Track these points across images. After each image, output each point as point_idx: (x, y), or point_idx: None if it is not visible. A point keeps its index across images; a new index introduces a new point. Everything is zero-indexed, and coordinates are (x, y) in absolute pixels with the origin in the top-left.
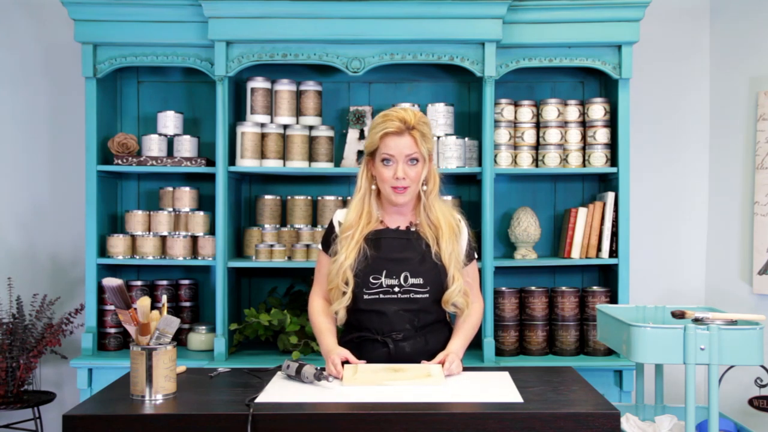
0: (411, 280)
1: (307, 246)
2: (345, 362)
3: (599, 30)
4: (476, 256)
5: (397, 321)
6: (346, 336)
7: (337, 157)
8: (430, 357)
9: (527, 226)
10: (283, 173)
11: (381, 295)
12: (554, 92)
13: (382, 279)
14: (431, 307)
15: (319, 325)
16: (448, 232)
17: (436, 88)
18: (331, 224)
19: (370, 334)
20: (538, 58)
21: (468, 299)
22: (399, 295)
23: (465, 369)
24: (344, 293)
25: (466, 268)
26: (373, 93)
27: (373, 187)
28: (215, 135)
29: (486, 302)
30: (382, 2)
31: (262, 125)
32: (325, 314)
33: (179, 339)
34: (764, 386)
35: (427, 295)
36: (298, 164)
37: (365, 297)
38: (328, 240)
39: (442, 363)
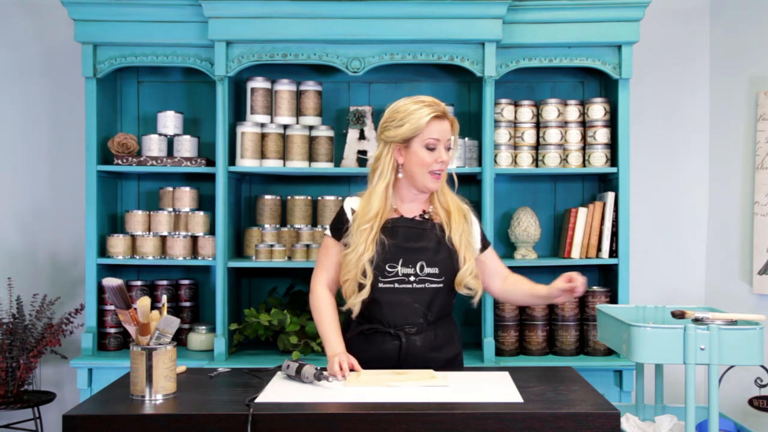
0: (427, 270)
1: (307, 246)
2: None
3: (599, 30)
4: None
5: (411, 314)
6: (358, 327)
7: (337, 157)
8: (438, 351)
9: (527, 226)
10: (283, 173)
11: (396, 284)
12: (554, 92)
13: (398, 267)
14: (444, 298)
15: (324, 318)
16: (458, 216)
17: (436, 88)
18: (342, 211)
19: (383, 327)
20: (538, 58)
21: (478, 281)
22: (414, 284)
23: (465, 369)
24: (362, 286)
25: (487, 253)
26: (373, 93)
27: (401, 175)
28: (215, 135)
29: (486, 302)
30: (382, 2)
31: (262, 125)
32: (329, 306)
33: (179, 339)
34: (764, 386)
35: (441, 285)
36: (298, 164)
37: (380, 285)
38: (339, 227)
39: (572, 289)
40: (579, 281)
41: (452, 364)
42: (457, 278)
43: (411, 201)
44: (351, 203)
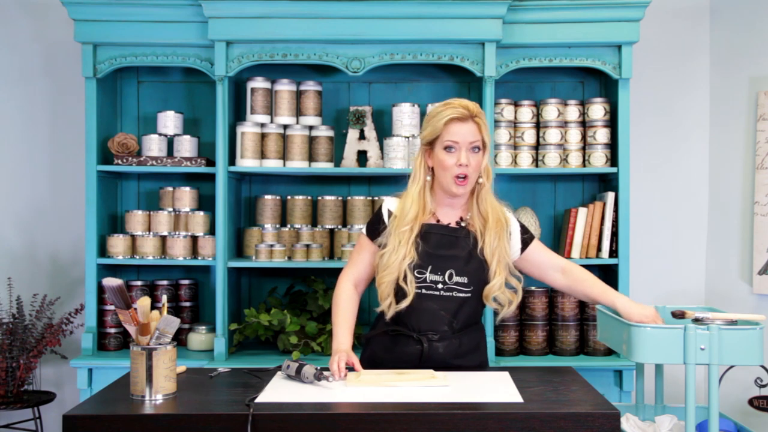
0: (455, 278)
1: (307, 246)
2: (350, 369)
3: (599, 30)
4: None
5: (436, 321)
6: (382, 327)
7: (337, 157)
8: (462, 359)
9: (527, 226)
10: (283, 173)
11: (424, 290)
12: (554, 92)
13: (427, 274)
14: (471, 307)
15: (339, 312)
16: (495, 227)
17: (436, 88)
18: (379, 212)
19: (407, 331)
20: (538, 58)
21: (512, 296)
22: (442, 292)
23: (465, 369)
24: (400, 294)
25: (531, 249)
26: (373, 93)
27: (429, 178)
28: (215, 135)
29: None
30: (382, 2)
31: (262, 125)
32: (348, 302)
33: (179, 339)
34: (764, 386)
35: (469, 295)
36: (298, 164)
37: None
38: (376, 229)
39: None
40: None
41: (476, 371)
42: (485, 291)
43: (447, 205)
44: (389, 204)
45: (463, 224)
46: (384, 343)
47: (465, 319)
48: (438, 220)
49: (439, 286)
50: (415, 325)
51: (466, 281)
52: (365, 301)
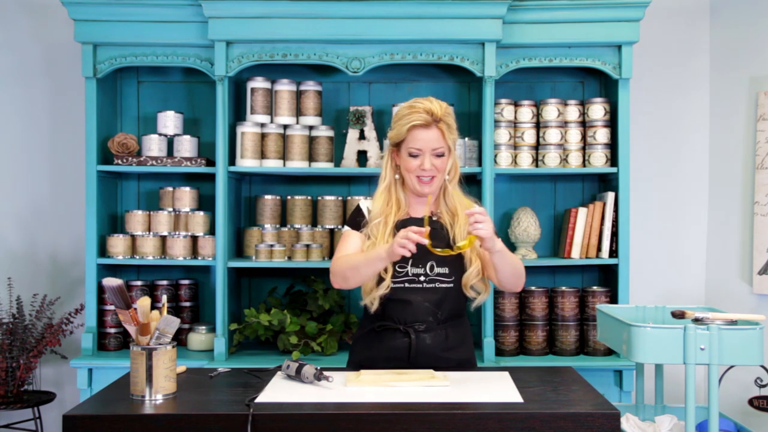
0: (437, 269)
1: (307, 246)
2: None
3: (599, 30)
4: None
5: (420, 312)
6: (368, 325)
7: (337, 157)
8: (450, 352)
9: (527, 226)
10: (283, 173)
11: (406, 284)
12: (554, 92)
13: (408, 267)
14: (454, 298)
15: (355, 256)
16: (464, 218)
17: (436, 88)
18: (359, 208)
19: (393, 324)
20: (538, 58)
21: (486, 285)
22: (424, 284)
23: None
24: (381, 281)
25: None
26: (373, 93)
27: (397, 176)
28: (215, 135)
29: (486, 302)
30: (382, 2)
31: (262, 125)
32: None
33: (179, 339)
34: (764, 386)
35: (451, 285)
36: (298, 164)
37: (391, 285)
38: (356, 222)
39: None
40: (476, 211)
41: (465, 366)
42: (463, 280)
43: (419, 203)
44: (366, 204)
45: (434, 218)
46: (369, 340)
47: (449, 310)
48: (410, 217)
49: (422, 278)
50: (400, 318)
51: (447, 272)
52: (359, 297)
